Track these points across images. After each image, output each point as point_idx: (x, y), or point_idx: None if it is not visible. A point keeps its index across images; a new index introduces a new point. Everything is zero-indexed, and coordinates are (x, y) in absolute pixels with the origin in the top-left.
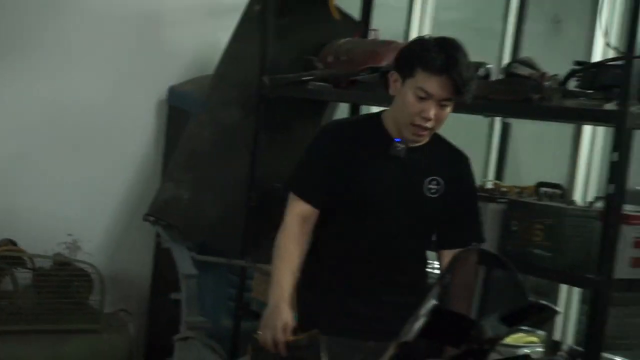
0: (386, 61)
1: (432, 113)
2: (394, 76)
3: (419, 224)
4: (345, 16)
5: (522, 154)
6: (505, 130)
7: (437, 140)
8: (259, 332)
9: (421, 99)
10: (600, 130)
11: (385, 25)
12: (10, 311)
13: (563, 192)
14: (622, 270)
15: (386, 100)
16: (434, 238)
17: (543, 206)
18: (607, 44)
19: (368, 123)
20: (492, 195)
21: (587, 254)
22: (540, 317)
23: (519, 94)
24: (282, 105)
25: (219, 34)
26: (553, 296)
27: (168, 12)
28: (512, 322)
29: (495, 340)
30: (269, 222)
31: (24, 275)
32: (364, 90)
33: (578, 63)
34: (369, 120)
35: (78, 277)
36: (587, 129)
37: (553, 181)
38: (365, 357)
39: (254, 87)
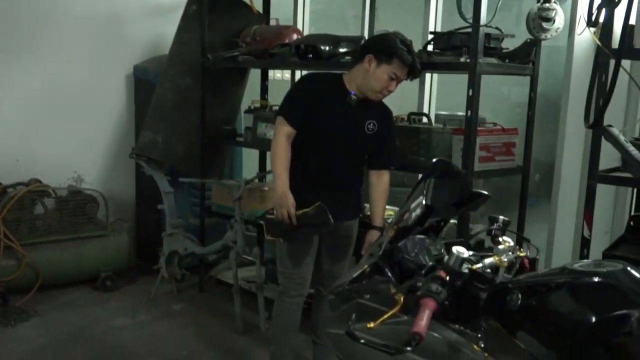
0: (288, 39)
1: (394, 87)
2: (369, 57)
3: (360, 148)
4: (256, 10)
5: None
6: None
7: None
8: (274, 212)
9: (391, 79)
10: (435, 78)
11: (279, 14)
12: (44, 228)
13: (428, 117)
14: (476, 165)
15: (291, 65)
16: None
17: (416, 128)
18: (462, 18)
19: (333, 79)
20: None
21: (448, 156)
22: (477, 201)
23: None
24: (218, 73)
25: (164, 26)
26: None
27: (128, 13)
28: (459, 206)
29: (447, 220)
30: (216, 152)
31: (50, 202)
32: (277, 60)
33: (432, 32)
34: (334, 77)
35: (88, 200)
36: (427, 78)
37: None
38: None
39: (199, 62)
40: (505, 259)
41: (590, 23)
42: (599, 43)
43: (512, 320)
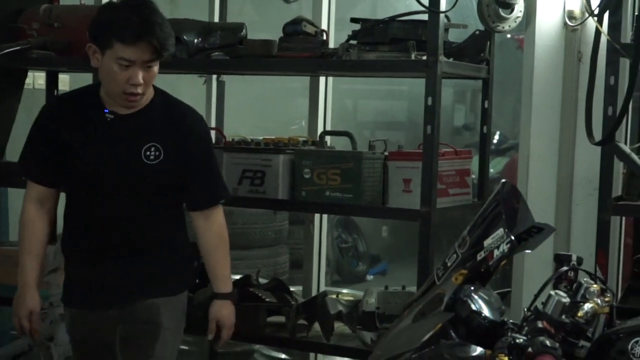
0: None
1: (140, 78)
2: (92, 48)
3: (145, 189)
4: None
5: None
6: (222, 88)
7: (158, 102)
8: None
9: (126, 67)
10: (331, 83)
11: None
12: None
13: (350, 137)
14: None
15: None
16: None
17: (338, 154)
18: (418, 2)
19: (86, 95)
20: (278, 147)
21: (380, 191)
22: (540, 236)
23: (314, 51)
24: None
25: None
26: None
27: None
28: (519, 241)
29: (499, 261)
30: None
31: None
32: None
33: (357, 20)
34: (87, 92)
35: None
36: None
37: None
38: (112, 327)
39: None
40: (604, 305)
41: (592, 12)
42: (608, 37)
43: None
